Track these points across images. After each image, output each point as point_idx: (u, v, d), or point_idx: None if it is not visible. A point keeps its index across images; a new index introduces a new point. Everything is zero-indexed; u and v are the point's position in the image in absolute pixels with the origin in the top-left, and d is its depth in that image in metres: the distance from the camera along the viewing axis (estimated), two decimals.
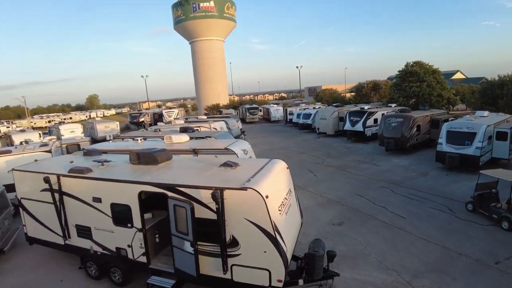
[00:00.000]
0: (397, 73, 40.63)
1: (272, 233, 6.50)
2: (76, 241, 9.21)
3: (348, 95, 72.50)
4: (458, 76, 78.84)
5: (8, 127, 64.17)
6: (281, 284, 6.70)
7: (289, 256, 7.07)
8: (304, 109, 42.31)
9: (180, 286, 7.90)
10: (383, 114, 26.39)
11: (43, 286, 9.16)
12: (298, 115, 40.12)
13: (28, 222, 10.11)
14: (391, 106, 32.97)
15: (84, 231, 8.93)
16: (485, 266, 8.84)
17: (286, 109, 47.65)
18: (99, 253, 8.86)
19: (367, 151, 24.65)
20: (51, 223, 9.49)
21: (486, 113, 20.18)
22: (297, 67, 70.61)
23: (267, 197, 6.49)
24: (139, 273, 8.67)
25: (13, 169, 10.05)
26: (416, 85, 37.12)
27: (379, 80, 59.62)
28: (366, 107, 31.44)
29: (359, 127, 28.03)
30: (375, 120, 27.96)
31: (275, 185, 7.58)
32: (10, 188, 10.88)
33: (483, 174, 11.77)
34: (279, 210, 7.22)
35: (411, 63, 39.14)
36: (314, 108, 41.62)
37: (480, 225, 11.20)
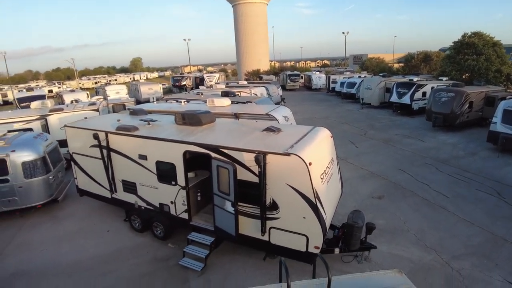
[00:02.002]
0: (452, 44, 37.61)
1: (313, 200, 6.47)
2: (122, 195, 9.73)
3: (396, 65, 68.75)
4: None
5: (59, 87, 67.83)
6: (317, 251, 6.74)
7: (327, 224, 7.06)
8: (349, 77, 40.71)
9: (218, 244, 8.22)
10: (432, 88, 24.85)
11: (92, 234, 9.88)
12: (342, 84, 38.73)
13: (79, 176, 10.80)
14: (442, 80, 30.87)
15: (130, 187, 9.39)
16: None
17: (329, 77, 46.18)
18: (143, 208, 9.32)
19: (413, 125, 23.59)
20: (100, 177, 10.06)
21: None
22: (343, 33, 66.87)
23: (310, 164, 6.41)
24: (180, 229, 9.07)
25: (65, 125, 10.64)
26: (472, 58, 34.26)
27: (431, 51, 55.74)
28: (415, 79, 29.72)
29: (406, 99, 26.64)
30: (424, 94, 26.40)
31: (318, 153, 7.47)
32: (62, 143, 11.63)
33: None
34: (321, 178, 7.14)
35: (469, 33, 36.05)
36: (359, 77, 39.98)
37: None
